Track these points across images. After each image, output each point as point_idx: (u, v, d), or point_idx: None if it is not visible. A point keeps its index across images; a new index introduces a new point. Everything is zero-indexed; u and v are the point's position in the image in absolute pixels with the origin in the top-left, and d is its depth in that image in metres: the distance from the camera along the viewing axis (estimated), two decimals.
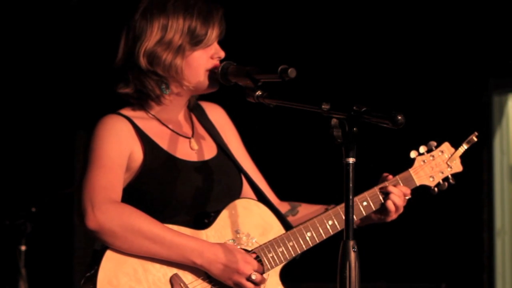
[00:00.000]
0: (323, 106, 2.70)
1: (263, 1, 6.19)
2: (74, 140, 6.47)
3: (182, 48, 3.11)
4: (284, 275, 3.16)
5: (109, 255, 2.96)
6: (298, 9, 6.28)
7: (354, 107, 2.63)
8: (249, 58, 3.16)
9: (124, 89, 3.15)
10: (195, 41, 3.12)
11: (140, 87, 3.13)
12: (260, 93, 2.97)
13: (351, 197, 2.62)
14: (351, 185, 2.63)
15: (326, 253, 3.24)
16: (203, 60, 3.14)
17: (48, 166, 6.42)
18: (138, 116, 3.16)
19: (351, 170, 2.63)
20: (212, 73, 3.13)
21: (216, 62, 3.15)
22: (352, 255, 2.60)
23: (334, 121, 2.66)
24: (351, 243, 2.61)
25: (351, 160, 2.63)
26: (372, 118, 2.61)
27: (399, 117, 2.57)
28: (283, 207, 3.39)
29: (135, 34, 3.12)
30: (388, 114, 2.58)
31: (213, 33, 3.14)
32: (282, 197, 3.47)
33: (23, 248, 5.39)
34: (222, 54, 3.17)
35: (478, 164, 5.95)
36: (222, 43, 3.21)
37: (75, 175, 6.39)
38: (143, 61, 3.10)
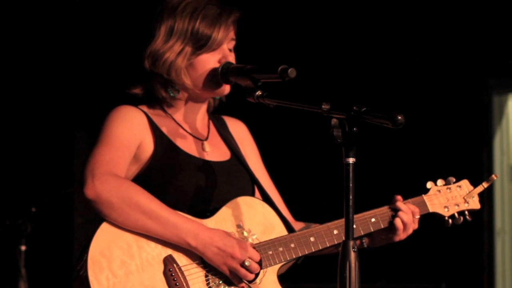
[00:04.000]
0: (323, 106, 2.70)
1: (263, 1, 6.19)
2: (74, 140, 6.47)
3: (184, 51, 3.12)
4: (284, 275, 3.16)
5: (104, 227, 2.96)
6: (298, 9, 6.28)
7: (354, 107, 2.63)
8: (249, 58, 3.16)
9: (133, 90, 3.19)
10: (199, 44, 3.12)
11: (148, 88, 3.18)
12: (260, 93, 2.98)
13: (351, 197, 2.62)
14: (351, 185, 2.63)
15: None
16: (209, 64, 3.14)
17: (48, 166, 6.42)
18: (154, 112, 3.19)
19: (351, 170, 2.63)
20: (212, 71, 3.13)
21: None
22: (352, 255, 2.60)
23: (334, 121, 2.66)
24: (351, 243, 2.61)
25: (351, 160, 2.63)
26: (372, 118, 2.61)
27: (399, 117, 2.57)
28: (298, 226, 3.36)
29: (148, 37, 3.16)
30: (388, 114, 2.58)
31: (219, 36, 3.13)
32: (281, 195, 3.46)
33: (23, 248, 5.40)
34: (230, 59, 3.16)
35: (478, 164, 5.95)
36: None
37: (75, 175, 6.39)
38: (147, 63, 3.14)
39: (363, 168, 2.92)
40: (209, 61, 3.14)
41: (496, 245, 6.14)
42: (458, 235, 5.96)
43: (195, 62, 3.13)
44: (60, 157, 6.45)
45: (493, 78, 6.12)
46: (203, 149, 3.22)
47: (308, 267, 3.29)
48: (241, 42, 3.23)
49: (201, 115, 3.27)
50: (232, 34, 3.18)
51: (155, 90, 3.16)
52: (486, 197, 6.08)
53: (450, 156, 5.73)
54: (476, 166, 5.90)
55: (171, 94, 3.17)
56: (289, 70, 2.89)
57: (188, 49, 3.12)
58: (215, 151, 3.25)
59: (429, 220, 3.42)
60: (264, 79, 2.99)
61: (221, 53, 3.15)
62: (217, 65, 3.14)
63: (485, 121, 6.14)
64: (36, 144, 6.45)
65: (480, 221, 6.06)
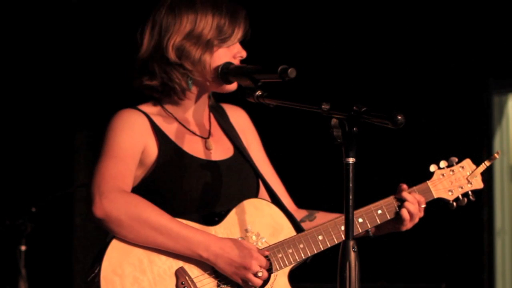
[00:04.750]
0: (323, 106, 2.70)
1: (263, 1, 6.19)
2: (74, 140, 6.47)
3: (210, 44, 3.11)
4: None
5: (114, 244, 2.95)
6: (298, 9, 6.28)
7: (354, 107, 2.63)
8: (249, 58, 3.16)
9: (150, 82, 3.13)
10: (222, 37, 3.12)
11: (167, 80, 3.12)
12: (260, 93, 2.97)
13: (351, 197, 2.62)
14: (351, 185, 2.62)
15: (326, 253, 3.23)
16: (226, 59, 3.13)
17: (48, 166, 6.42)
18: (155, 113, 3.16)
19: (351, 170, 2.62)
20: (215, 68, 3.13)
21: (237, 61, 3.16)
22: (352, 255, 2.60)
23: (334, 121, 2.66)
24: (351, 243, 2.61)
25: (351, 160, 2.63)
26: (372, 118, 2.61)
27: (399, 117, 2.56)
28: (301, 214, 3.36)
29: (162, 28, 3.12)
30: (388, 114, 2.57)
31: (239, 33, 3.14)
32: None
33: (23, 248, 5.39)
34: (244, 54, 3.17)
35: (478, 164, 5.94)
36: None
37: (75, 175, 6.39)
38: (172, 54, 3.09)
39: (364, 167, 2.92)
40: (226, 55, 3.14)
41: (496, 245, 6.14)
42: (458, 235, 5.97)
43: (214, 56, 3.13)
44: (60, 157, 6.45)
45: (493, 78, 6.12)
46: (207, 148, 3.21)
47: (308, 267, 3.29)
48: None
49: (202, 111, 3.26)
50: (246, 31, 3.19)
51: (175, 81, 3.11)
52: (486, 197, 6.08)
53: (450, 156, 5.73)
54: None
55: (190, 87, 3.15)
56: (289, 70, 2.89)
57: (213, 41, 3.11)
58: (219, 148, 3.23)
59: (430, 220, 3.41)
60: (264, 79, 2.98)
61: (236, 48, 3.16)
62: (231, 59, 3.14)
63: (485, 121, 6.14)
64: (36, 144, 6.45)
65: (480, 221, 6.06)
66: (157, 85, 3.14)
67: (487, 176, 6.17)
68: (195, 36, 3.10)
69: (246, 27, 3.18)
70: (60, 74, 6.45)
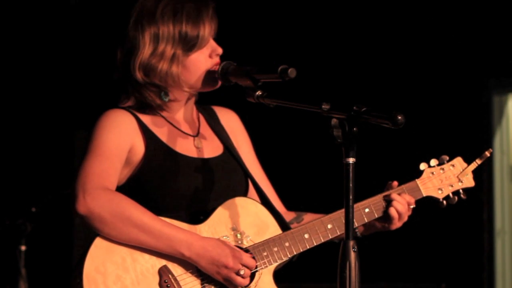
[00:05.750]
0: (323, 106, 2.70)
1: (263, 1, 6.19)
2: (74, 140, 6.47)
3: (176, 56, 3.10)
4: (283, 275, 3.16)
5: (98, 242, 2.96)
6: (298, 9, 6.28)
7: (354, 107, 2.63)
8: (249, 58, 3.16)
9: (126, 103, 3.16)
10: (189, 46, 3.11)
11: (141, 98, 3.14)
12: (260, 93, 2.97)
13: (351, 197, 2.62)
14: (351, 185, 2.62)
15: (326, 253, 3.23)
16: (201, 62, 3.13)
17: (48, 166, 6.42)
18: (143, 112, 3.17)
19: (351, 170, 2.63)
20: (208, 73, 3.13)
21: (216, 60, 3.14)
22: (352, 255, 2.60)
23: (334, 121, 2.66)
24: (351, 243, 2.61)
25: (351, 160, 2.63)
26: (372, 118, 2.61)
27: (399, 117, 2.56)
28: (289, 216, 3.35)
29: (129, 46, 3.13)
30: (388, 114, 2.58)
31: (205, 33, 3.12)
32: (280, 194, 3.45)
33: (23, 248, 5.39)
34: (219, 50, 3.16)
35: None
36: (222, 43, 3.19)
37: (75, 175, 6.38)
38: (139, 75, 3.10)
39: (362, 167, 2.92)
40: (200, 58, 3.13)
41: (496, 245, 6.14)
42: (458, 235, 5.97)
43: (187, 63, 3.12)
44: (60, 157, 6.45)
45: (493, 78, 6.12)
46: (196, 146, 3.21)
47: (308, 267, 3.29)
48: (241, 42, 3.23)
49: (190, 110, 3.26)
50: (215, 26, 3.17)
51: (148, 99, 3.13)
52: (486, 197, 6.08)
53: (450, 156, 5.73)
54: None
55: (164, 99, 3.16)
56: (289, 70, 2.89)
57: (179, 52, 3.10)
58: (208, 146, 3.24)
59: (430, 220, 3.41)
60: (264, 79, 2.98)
61: (209, 48, 3.14)
62: (208, 60, 3.14)
63: (485, 121, 6.15)
64: (36, 144, 6.45)
65: (480, 221, 6.06)
66: (133, 104, 3.16)
67: (487, 176, 6.17)
68: (159, 53, 3.09)
69: (213, 23, 3.15)
70: (60, 74, 6.45)
